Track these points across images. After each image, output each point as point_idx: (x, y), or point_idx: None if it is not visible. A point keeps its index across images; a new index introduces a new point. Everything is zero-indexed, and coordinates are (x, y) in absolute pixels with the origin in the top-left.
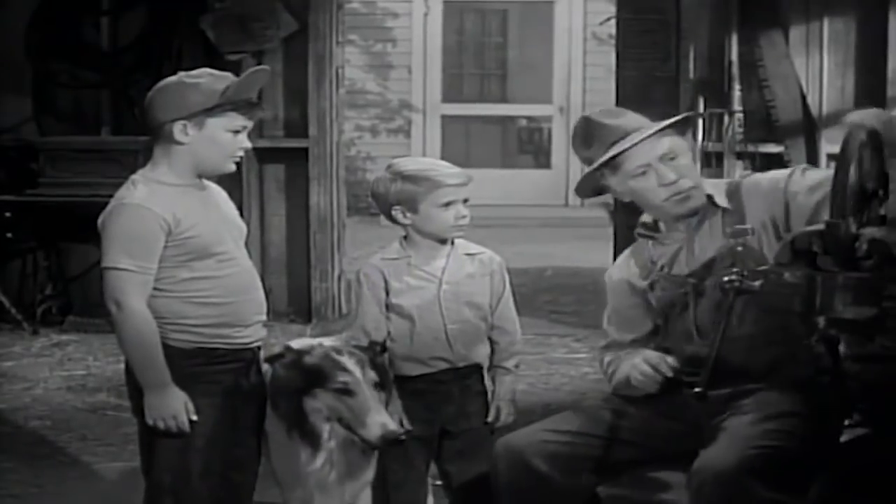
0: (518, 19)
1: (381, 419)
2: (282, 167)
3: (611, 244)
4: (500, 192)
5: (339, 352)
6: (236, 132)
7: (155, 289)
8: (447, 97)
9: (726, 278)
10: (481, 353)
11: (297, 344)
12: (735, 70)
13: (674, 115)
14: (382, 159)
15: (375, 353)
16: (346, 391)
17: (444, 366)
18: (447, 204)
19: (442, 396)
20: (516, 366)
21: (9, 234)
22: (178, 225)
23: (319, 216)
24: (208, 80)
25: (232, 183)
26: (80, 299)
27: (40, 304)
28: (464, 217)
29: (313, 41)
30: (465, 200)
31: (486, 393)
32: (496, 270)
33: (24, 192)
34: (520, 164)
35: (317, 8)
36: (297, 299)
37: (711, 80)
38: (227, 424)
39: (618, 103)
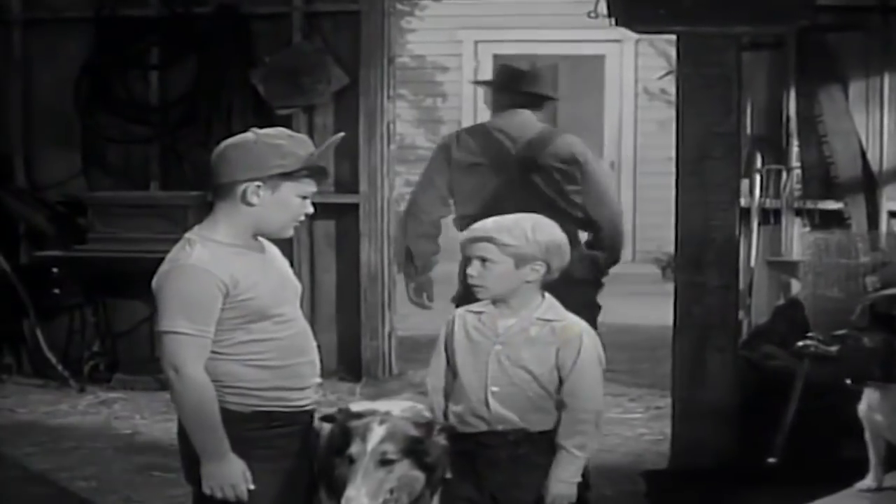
0: (568, 73)
1: (350, 494)
2: (332, 223)
3: (664, 300)
4: None
5: (363, 418)
6: (304, 197)
7: (212, 351)
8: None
9: (801, 343)
10: (537, 422)
11: (354, 406)
12: (793, 125)
13: (734, 171)
14: None
15: (430, 431)
16: (349, 458)
17: (483, 427)
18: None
19: (487, 461)
20: (580, 447)
21: (56, 290)
22: (236, 287)
23: (370, 273)
24: (288, 142)
25: (282, 239)
26: (127, 356)
27: (87, 360)
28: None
29: (364, 95)
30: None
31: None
32: (571, 341)
33: (71, 247)
34: None
35: (367, 62)
36: (346, 357)
37: (769, 135)
38: (285, 489)
39: (678, 159)
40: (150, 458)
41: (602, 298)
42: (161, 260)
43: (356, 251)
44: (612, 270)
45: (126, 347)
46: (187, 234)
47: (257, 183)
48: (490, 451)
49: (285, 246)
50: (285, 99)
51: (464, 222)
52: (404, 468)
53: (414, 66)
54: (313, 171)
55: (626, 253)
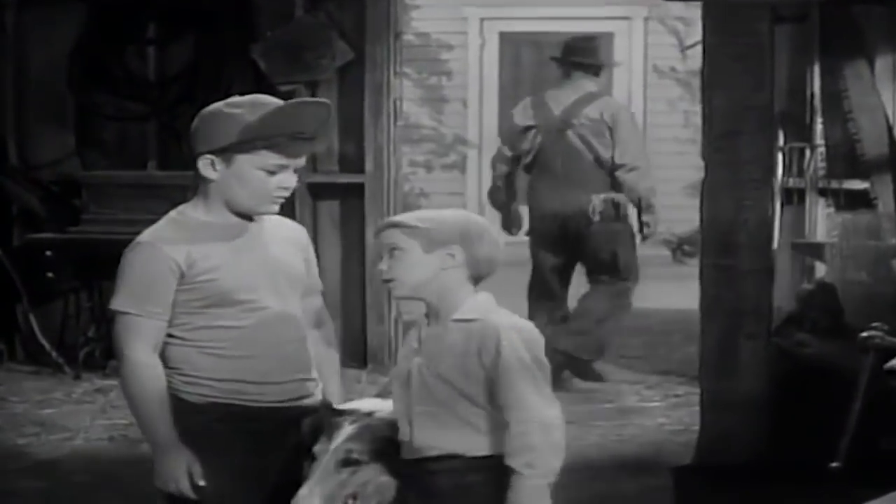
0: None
1: (302, 493)
2: (336, 203)
3: (675, 283)
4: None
5: (340, 416)
6: (271, 172)
7: (168, 335)
8: (503, 132)
9: (865, 334)
10: (473, 445)
11: (343, 404)
12: (817, 101)
13: (767, 147)
14: (437, 196)
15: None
16: (312, 456)
17: (409, 454)
18: None
19: (426, 491)
20: (530, 466)
21: (50, 274)
22: (192, 267)
23: (375, 256)
24: (247, 109)
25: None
26: None
27: (82, 346)
28: None
29: (370, 71)
30: None
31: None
32: (487, 342)
33: (65, 229)
34: None
35: (373, 37)
36: (351, 343)
37: (791, 112)
38: (243, 487)
39: (706, 135)
40: (146, 448)
41: None
42: None
43: (361, 233)
44: None
45: None
46: (170, 212)
47: (209, 156)
48: (427, 481)
49: None
50: (287, 75)
51: None
52: (371, 473)
53: (418, 43)
54: (272, 142)
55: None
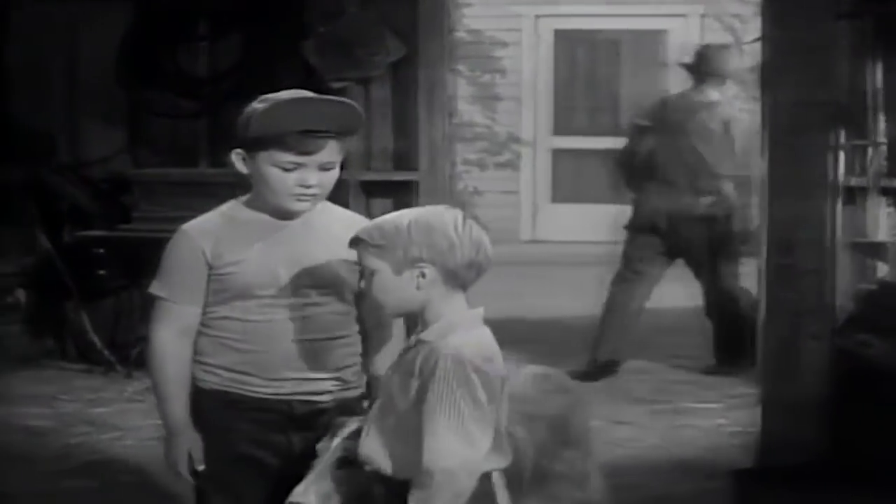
0: (631, 49)
1: (297, 490)
2: (389, 202)
3: None
4: (612, 228)
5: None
6: (286, 169)
7: (200, 324)
8: (557, 130)
9: None
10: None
11: None
12: (879, 99)
13: (828, 145)
14: (490, 194)
15: None
16: (315, 453)
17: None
18: None
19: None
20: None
21: (101, 272)
22: (219, 259)
23: None
24: (271, 106)
25: None
26: None
27: (134, 345)
28: None
29: (424, 68)
30: None
31: None
32: (426, 367)
33: (116, 227)
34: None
35: (427, 32)
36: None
37: (851, 108)
38: (248, 478)
39: (765, 133)
40: None
41: (666, 281)
42: None
43: None
44: None
45: None
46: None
47: (239, 151)
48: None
49: None
50: (339, 71)
51: None
52: (365, 473)
53: (470, 40)
54: (278, 140)
55: None
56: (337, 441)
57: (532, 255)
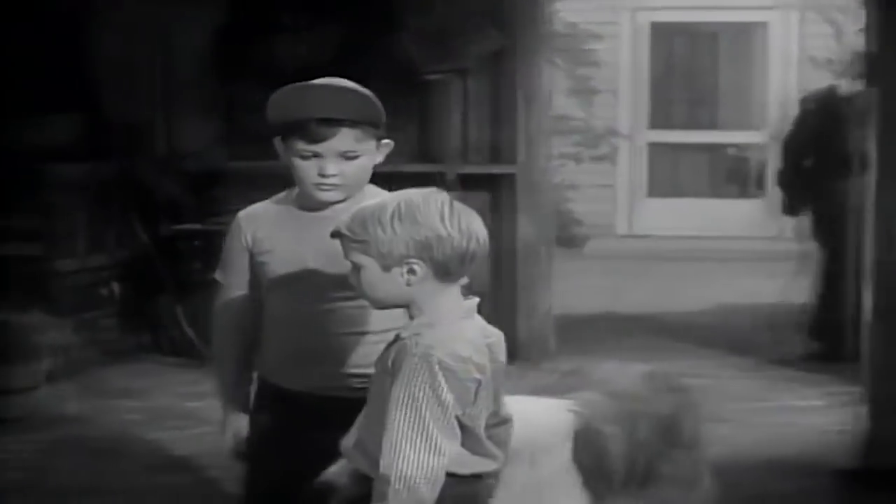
0: (729, 41)
1: (332, 469)
2: (486, 195)
3: None
4: (708, 222)
5: None
6: (304, 157)
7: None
8: (654, 123)
9: None
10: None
11: None
12: None
13: None
14: (586, 188)
15: None
16: None
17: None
18: None
19: None
20: None
21: (197, 265)
22: (255, 246)
23: (526, 247)
24: (278, 93)
25: None
26: None
27: None
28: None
29: (522, 59)
30: None
31: None
32: (395, 366)
33: (211, 220)
34: (729, 193)
35: (524, 23)
36: None
37: None
38: (282, 464)
39: (875, 121)
40: None
41: (763, 278)
42: None
43: (512, 224)
44: (774, 248)
45: None
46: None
47: (276, 139)
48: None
49: None
50: (435, 63)
51: None
52: None
53: (566, 32)
54: (292, 128)
55: (774, 227)
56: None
57: (628, 250)
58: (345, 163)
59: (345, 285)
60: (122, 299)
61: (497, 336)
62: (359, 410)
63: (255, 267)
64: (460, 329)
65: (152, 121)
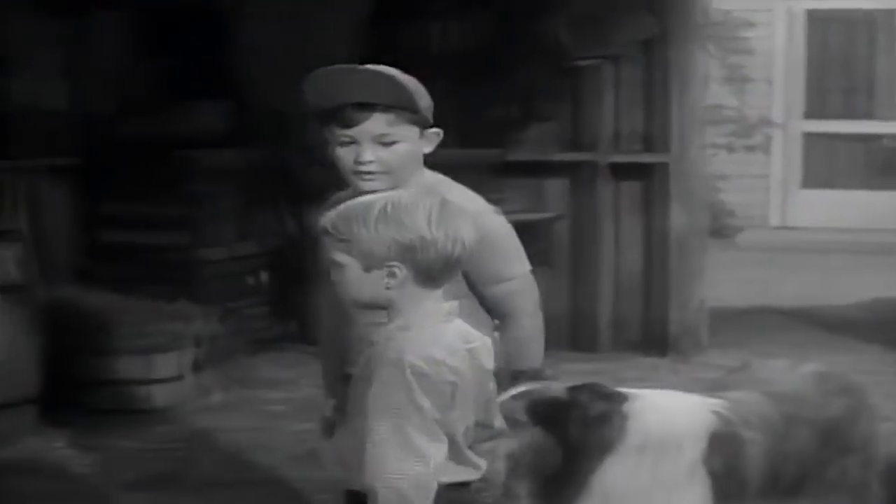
0: (888, 28)
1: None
2: (639, 184)
3: None
4: (864, 215)
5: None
6: (342, 143)
7: None
8: (809, 113)
9: None
10: None
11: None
12: None
13: None
14: (739, 178)
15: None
16: None
17: None
18: None
19: None
20: None
21: None
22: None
23: (679, 238)
24: (306, 80)
25: (584, 202)
26: None
27: None
28: None
29: (676, 46)
30: None
31: None
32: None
33: None
34: (885, 185)
35: (679, 9)
36: (652, 329)
37: None
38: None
39: None
40: None
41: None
42: None
43: (665, 214)
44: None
45: None
46: None
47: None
48: None
49: (587, 209)
50: (587, 49)
51: None
52: (531, 435)
53: (719, 20)
54: (329, 114)
55: None
56: (502, 398)
57: (781, 242)
58: (381, 149)
59: None
60: (271, 288)
61: (481, 341)
62: None
63: None
64: (436, 332)
65: (301, 108)
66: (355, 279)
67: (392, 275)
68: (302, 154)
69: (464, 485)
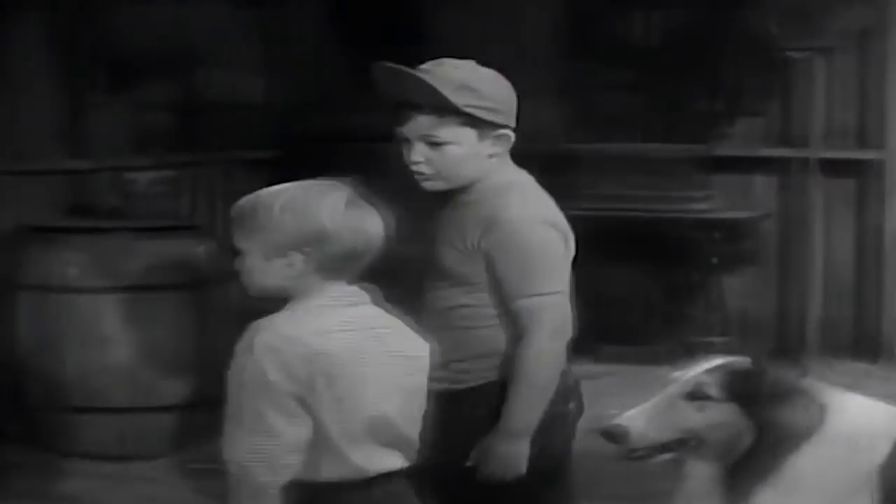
0: None
1: (629, 413)
2: (851, 181)
3: None
4: None
5: None
6: (400, 142)
7: None
8: None
9: None
10: None
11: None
12: None
13: None
14: None
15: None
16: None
17: None
18: None
19: None
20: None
21: None
22: None
23: (894, 239)
24: (377, 72)
25: (791, 199)
26: (617, 325)
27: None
28: None
29: (892, 37)
30: None
31: None
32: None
33: (559, 205)
34: None
35: None
36: (863, 333)
37: None
38: None
39: None
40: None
41: None
42: (655, 220)
43: (880, 213)
44: None
45: (616, 315)
46: None
47: None
48: None
49: (796, 207)
50: (797, 39)
51: None
52: (724, 413)
53: None
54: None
55: None
56: (688, 375)
57: None
58: (431, 150)
59: (435, 278)
60: None
61: (395, 327)
62: (455, 401)
63: None
64: (313, 314)
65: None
66: (255, 267)
67: (291, 265)
68: None
69: (361, 483)
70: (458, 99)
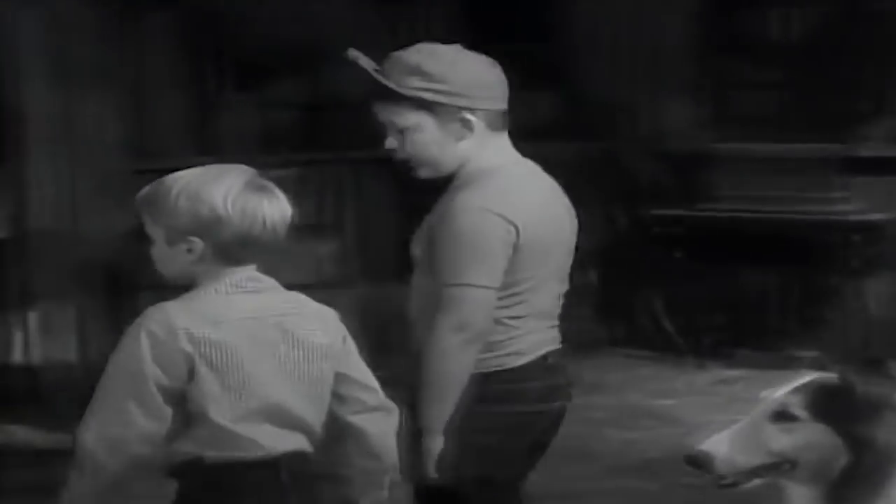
0: None
1: (715, 437)
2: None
3: None
4: None
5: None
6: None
7: None
8: None
9: None
10: None
11: None
12: None
13: None
14: None
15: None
16: None
17: None
18: None
19: None
20: None
21: (679, 253)
22: None
23: None
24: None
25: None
26: (754, 329)
27: (708, 333)
28: None
29: None
30: None
31: None
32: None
33: (695, 205)
34: None
35: None
36: None
37: None
38: None
39: None
40: None
41: None
42: (793, 222)
43: None
44: None
45: (753, 319)
46: None
47: None
48: None
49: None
50: None
51: None
52: (812, 433)
53: None
54: None
55: None
56: (775, 394)
57: None
58: (400, 136)
59: (418, 264)
60: (600, 288)
61: (302, 314)
62: None
63: None
64: (205, 301)
65: (635, 100)
66: (162, 252)
67: (190, 250)
68: (632, 147)
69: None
70: (405, 83)
